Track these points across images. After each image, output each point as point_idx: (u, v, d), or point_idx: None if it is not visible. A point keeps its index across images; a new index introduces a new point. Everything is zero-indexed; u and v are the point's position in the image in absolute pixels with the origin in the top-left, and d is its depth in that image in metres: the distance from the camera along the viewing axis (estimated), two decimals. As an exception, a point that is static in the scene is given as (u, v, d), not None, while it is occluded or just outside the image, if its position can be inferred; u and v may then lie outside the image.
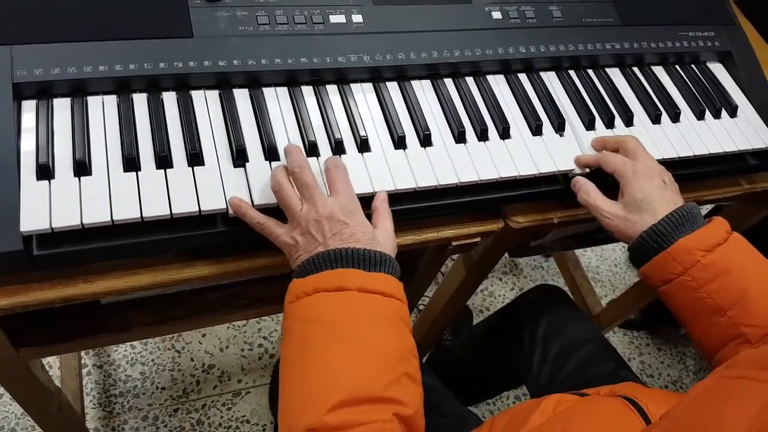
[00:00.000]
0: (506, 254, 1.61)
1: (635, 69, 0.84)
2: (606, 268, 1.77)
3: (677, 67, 0.86)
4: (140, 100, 0.61)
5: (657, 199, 0.63)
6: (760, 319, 0.57)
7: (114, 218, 0.53)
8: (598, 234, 1.04)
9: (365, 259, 0.51)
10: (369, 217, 0.58)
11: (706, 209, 1.64)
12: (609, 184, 0.69)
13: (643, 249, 0.62)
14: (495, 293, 1.63)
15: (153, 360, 1.33)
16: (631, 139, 0.69)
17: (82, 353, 1.28)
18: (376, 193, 0.61)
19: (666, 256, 0.60)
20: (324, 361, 0.46)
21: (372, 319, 0.49)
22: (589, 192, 0.67)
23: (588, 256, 1.79)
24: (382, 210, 0.59)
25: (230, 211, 0.56)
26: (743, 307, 0.58)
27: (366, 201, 0.59)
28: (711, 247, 0.59)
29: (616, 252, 1.81)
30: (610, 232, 0.66)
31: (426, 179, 0.64)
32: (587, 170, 0.71)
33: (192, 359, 1.35)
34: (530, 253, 1.49)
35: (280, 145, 0.61)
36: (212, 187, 0.57)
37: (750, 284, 0.58)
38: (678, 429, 0.42)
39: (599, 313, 1.49)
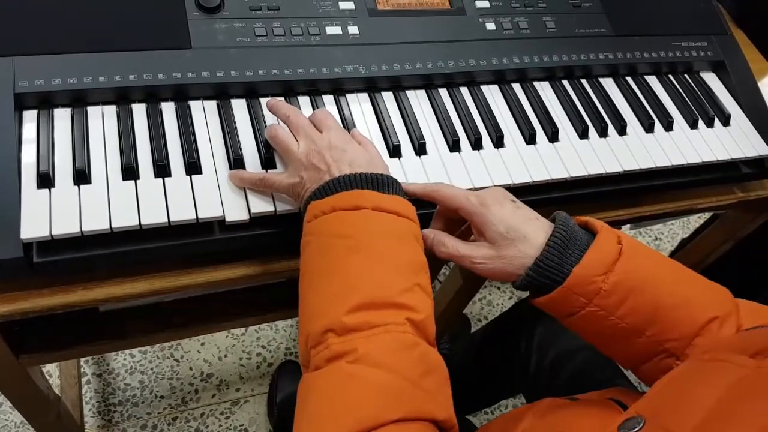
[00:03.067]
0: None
1: (628, 79, 0.85)
2: (604, 277, 1.77)
3: (670, 76, 0.88)
4: (139, 111, 0.62)
5: (520, 223, 0.55)
6: (680, 331, 0.52)
7: (113, 226, 0.54)
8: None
9: (375, 182, 0.53)
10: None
11: (701, 218, 1.65)
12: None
13: (532, 286, 0.55)
14: (493, 302, 1.64)
15: (152, 369, 1.34)
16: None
17: (82, 362, 1.29)
18: None
19: (564, 291, 0.52)
20: (342, 269, 0.48)
21: (387, 234, 0.51)
22: (446, 243, 0.58)
23: (586, 265, 1.79)
24: (362, 139, 0.61)
25: (227, 219, 0.57)
26: (660, 324, 0.52)
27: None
28: (608, 267, 0.52)
29: (615, 261, 1.82)
30: (489, 278, 0.58)
31: (420, 187, 0.65)
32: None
33: (191, 368, 1.35)
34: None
35: (278, 155, 0.62)
36: (210, 195, 0.58)
37: (660, 296, 0.53)
38: (652, 407, 0.43)
39: (597, 321, 1.49)
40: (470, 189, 0.66)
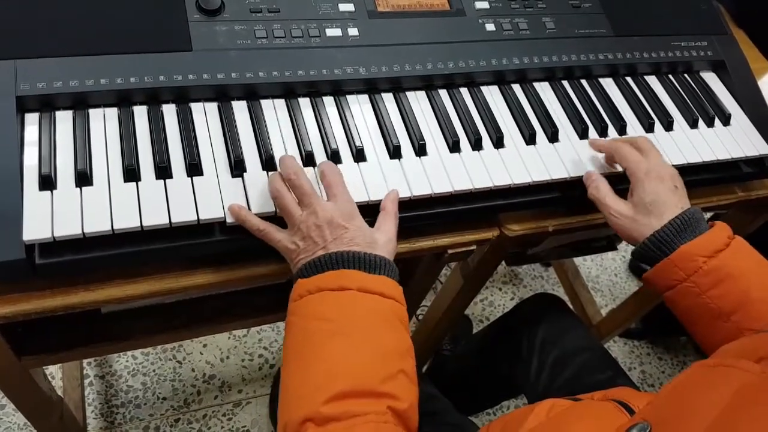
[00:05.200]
0: (506, 264, 1.62)
1: (628, 79, 0.85)
2: (606, 278, 1.77)
3: (670, 76, 0.88)
4: (140, 113, 0.62)
5: (666, 203, 0.63)
6: (764, 322, 0.57)
7: (114, 227, 0.54)
8: (594, 243, 1.05)
9: (365, 262, 0.53)
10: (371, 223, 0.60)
11: (705, 218, 1.64)
12: (617, 190, 0.69)
13: (646, 255, 0.63)
14: (495, 303, 1.64)
15: (154, 370, 1.34)
16: (643, 139, 0.70)
17: (84, 364, 1.29)
18: (371, 200, 0.62)
19: (668, 263, 0.60)
20: (323, 355, 0.48)
21: (371, 317, 0.50)
22: (599, 188, 0.67)
23: (588, 266, 1.79)
24: (390, 210, 0.60)
25: (228, 220, 0.58)
26: (746, 312, 0.58)
27: (362, 210, 0.60)
28: (712, 253, 0.59)
29: (616, 261, 1.82)
30: (615, 231, 0.67)
31: (421, 188, 0.65)
32: (598, 167, 0.71)
33: (193, 369, 1.35)
34: (527, 261, 1.50)
35: (278, 156, 0.62)
36: (211, 196, 0.58)
37: (752, 288, 0.58)
38: (658, 414, 0.43)
39: (599, 322, 1.49)
40: (471, 190, 0.67)
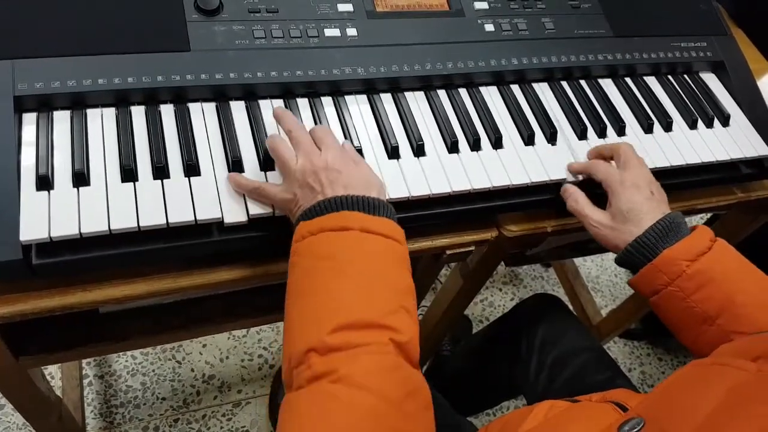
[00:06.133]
0: (505, 265, 1.62)
1: (628, 79, 0.85)
2: (606, 278, 1.77)
3: (670, 77, 0.88)
4: (138, 113, 0.62)
5: (643, 210, 0.64)
6: (749, 325, 0.57)
7: (111, 228, 0.54)
8: (593, 244, 1.05)
9: (365, 205, 0.53)
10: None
11: (702, 219, 1.64)
12: (598, 194, 0.70)
13: (629, 261, 0.64)
14: (495, 303, 1.64)
15: (154, 370, 1.34)
16: (624, 146, 0.70)
17: (84, 364, 1.29)
18: None
19: (652, 267, 0.61)
20: (325, 291, 0.49)
21: (373, 256, 0.51)
22: (577, 200, 0.69)
23: (588, 266, 1.79)
24: (356, 157, 0.60)
25: (226, 220, 0.57)
26: (731, 315, 0.58)
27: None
28: (695, 257, 0.60)
29: (617, 262, 1.82)
30: (597, 241, 0.67)
31: (419, 188, 0.65)
32: (579, 178, 0.72)
33: (192, 370, 1.36)
34: (526, 262, 1.50)
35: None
36: (208, 196, 0.58)
37: (736, 291, 0.59)
38: (652, 410, 0.43)
39: (599, 323, 1.49)
40: (470, 191, 0.67)
